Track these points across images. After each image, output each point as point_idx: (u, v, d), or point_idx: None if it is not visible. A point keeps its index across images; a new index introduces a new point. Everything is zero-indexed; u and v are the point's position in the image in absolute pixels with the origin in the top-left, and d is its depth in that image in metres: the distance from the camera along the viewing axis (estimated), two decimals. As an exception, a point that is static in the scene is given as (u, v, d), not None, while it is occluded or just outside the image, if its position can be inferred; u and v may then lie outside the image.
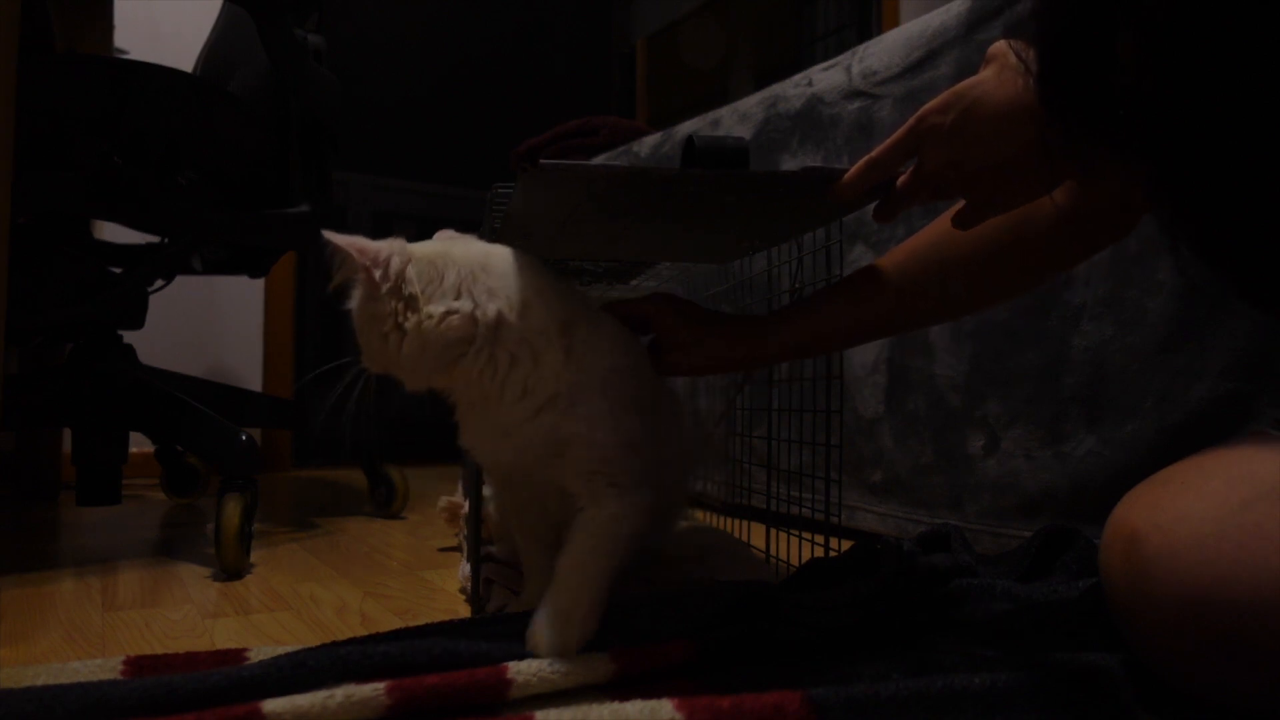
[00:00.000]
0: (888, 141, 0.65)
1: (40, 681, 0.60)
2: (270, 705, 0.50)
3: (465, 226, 0.78)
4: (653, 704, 0.51)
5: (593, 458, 0.68)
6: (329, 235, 0.66)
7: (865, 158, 0.67)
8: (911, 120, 0.63)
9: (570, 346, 0.69)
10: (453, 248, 0.70)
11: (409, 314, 0.66)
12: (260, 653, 0.66)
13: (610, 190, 0.69)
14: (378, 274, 0.65)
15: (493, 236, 0.79)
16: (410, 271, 0.67)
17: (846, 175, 0.68)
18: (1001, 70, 0.58)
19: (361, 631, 0.80)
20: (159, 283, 1.51)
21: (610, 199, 0.72)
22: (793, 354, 0.83)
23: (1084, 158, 0.54)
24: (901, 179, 0.68)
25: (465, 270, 0.68)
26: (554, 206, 0.74)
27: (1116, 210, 0.69)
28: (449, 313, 0.66)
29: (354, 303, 0.69)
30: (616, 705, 0.52)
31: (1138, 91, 0.46)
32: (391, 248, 0.66)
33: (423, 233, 0.75)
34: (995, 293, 0.80)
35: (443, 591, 0.99)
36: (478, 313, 0.67)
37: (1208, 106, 0.44)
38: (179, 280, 1.58)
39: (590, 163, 0.66)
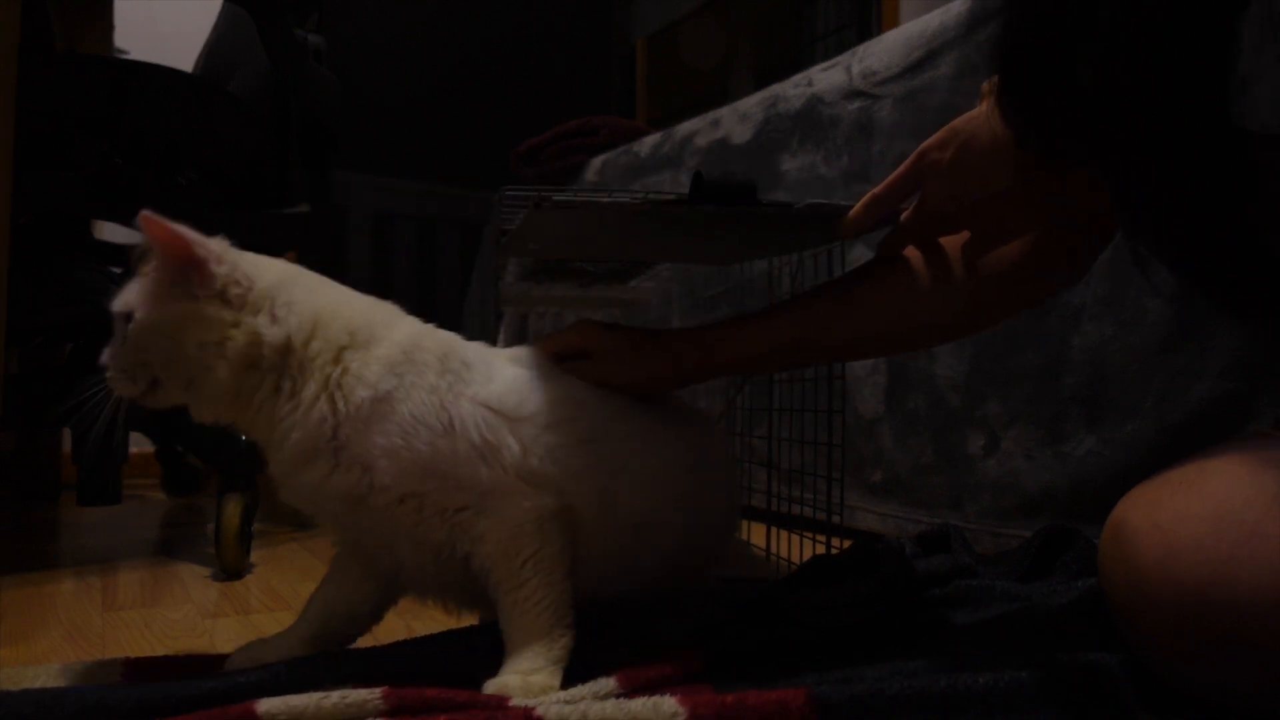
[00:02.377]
0: (890, 177, 0.67)
1: (40, 682, 0.60)
2: (265, 705, 0.50)
3: (466, 226, 0.78)
4: (655, 700, 0.51)
5: (401, 495, 0.58)
6: (148, 215, 0.56)
7: (869, 194, 0.68)
8: (913, 156, 0.65)
9: (338, 379, 0.58)
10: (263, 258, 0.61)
11: (233, 328, 0.57)
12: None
13: (620, 222, 0.70)
14: (218, 269, 0.57)
15: (499, 240, 0.79)
16: (245, 270, 0.58)
17: (851, 212, 0.70)
18: (994, 104, 0.60)
19: (362, 631, 0.80)
20: (159, 283, 1.50)
21: (619, 228, 0.73)
22: (744, 367, 0.80)
23: (1054, 168, 0.57)
24: (906, 214, 0.70)
25: (277, 278, 0.60)
26: (561, 229, 0.75)
27: (1092, 235, 0.70)
28: (253, 331, 0.57)
29: (141, 305, 0.58)
30: (619, 701, 0.52)
31: (1097, 105, 0.48)
32: (220, 244, 0.59)
33: (423, 232, 0.75)
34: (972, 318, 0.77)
35: (443, 591, 0.99)
36: (268, 333, 0.57)
37: (1168, 122, 0.46)
38: (179, 280, 1.58)
39: (600, 199, 0.66)
